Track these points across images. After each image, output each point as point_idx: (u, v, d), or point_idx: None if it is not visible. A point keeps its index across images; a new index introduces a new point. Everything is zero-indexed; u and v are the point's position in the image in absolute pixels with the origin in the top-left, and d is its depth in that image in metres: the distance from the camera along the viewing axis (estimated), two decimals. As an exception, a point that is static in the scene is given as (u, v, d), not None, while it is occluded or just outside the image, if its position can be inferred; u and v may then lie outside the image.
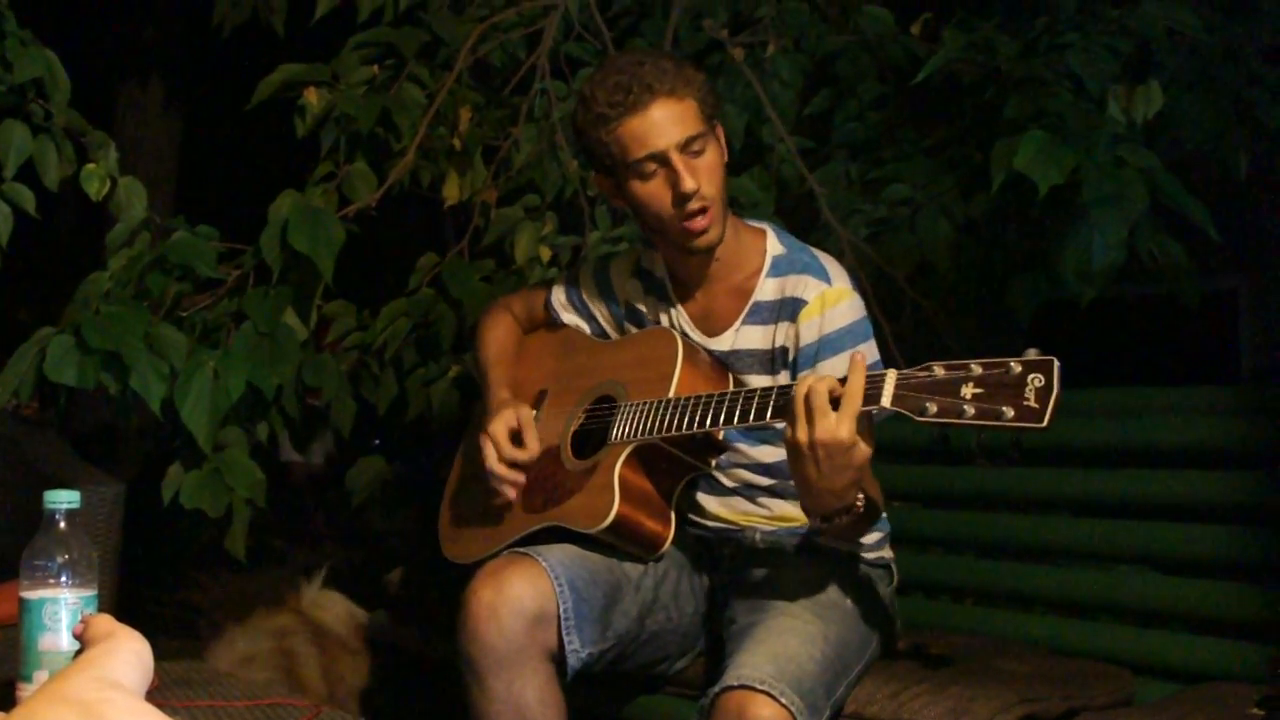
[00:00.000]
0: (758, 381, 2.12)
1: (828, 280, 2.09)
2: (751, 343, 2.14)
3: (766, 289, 2.13)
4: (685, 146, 2.02)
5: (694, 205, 2.03)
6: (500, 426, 2.18)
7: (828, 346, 2.05)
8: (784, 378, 2.10)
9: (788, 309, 2.10)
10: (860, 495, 1.82)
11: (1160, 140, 3.03)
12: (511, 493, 2.18)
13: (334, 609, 2.97)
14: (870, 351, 2.05)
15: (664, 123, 2.01)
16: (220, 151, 6.75)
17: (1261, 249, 4.97)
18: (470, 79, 3.27)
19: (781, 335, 2.10)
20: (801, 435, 1.73)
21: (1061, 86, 2.78)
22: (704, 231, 2.06)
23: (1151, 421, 2.50)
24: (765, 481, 2.18)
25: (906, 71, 3.19)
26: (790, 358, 2.09)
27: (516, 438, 2.18)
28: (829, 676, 1.89)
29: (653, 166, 2.03)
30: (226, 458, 2.74)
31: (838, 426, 1.70)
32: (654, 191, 2.05)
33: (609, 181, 2.14)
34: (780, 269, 2.14)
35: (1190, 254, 2.80)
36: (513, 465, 2.17)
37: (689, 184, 2.01)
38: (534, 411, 2.25)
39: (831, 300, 2.07)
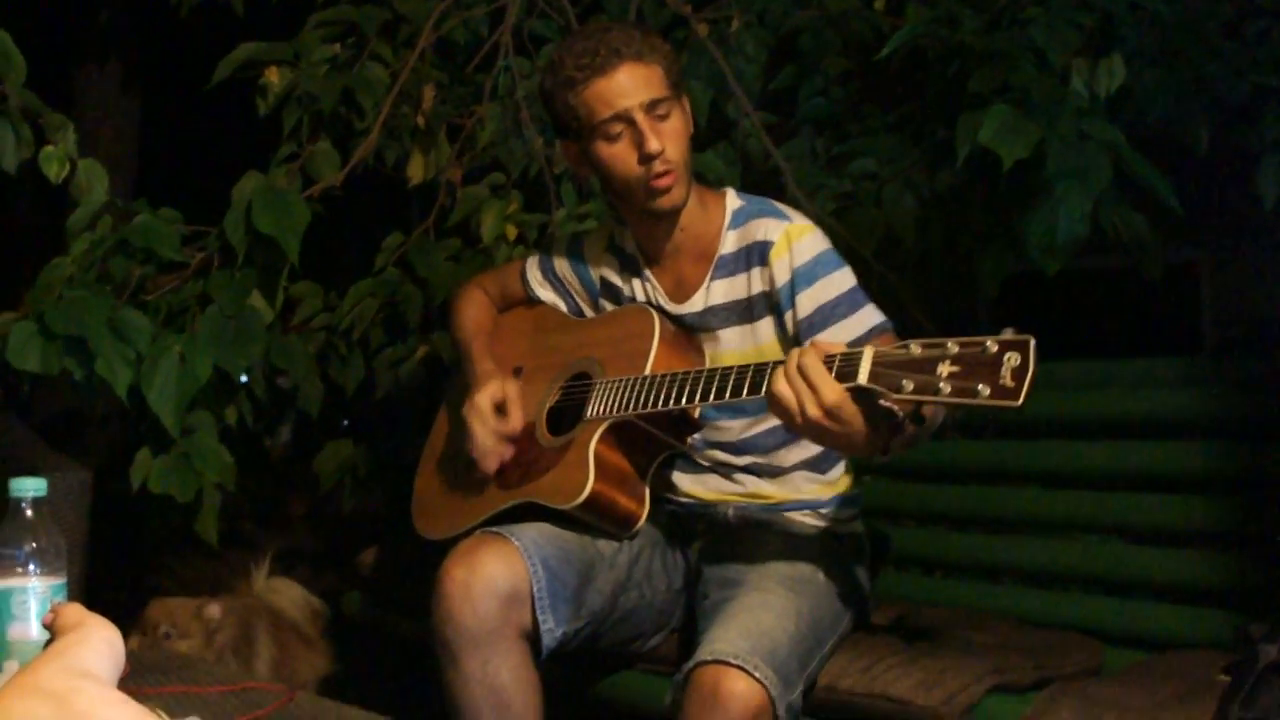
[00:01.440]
0: (737, 332, 2.14)
1: (787, 218, 2.12)
2: (723, 296, 2.15)
3: (728, 242, 2.15)
4: (651, 108, 2.04)
5: (659, 167, 2.04)
6: (484, 398, 2.18)
7: (802, 278, 2.06)
8: (765, 324, 2.12)
9: (755, 254, 2.11)
10: (900, 414, 1.73)
11: (1123, 114, 3.04)
12: (494, 464, 2.18)
13: (289, 593, 2.95)
14: (845, 277, 2.08)
15: (630, 84, 2.03)
16: (181, 132, 6.67)
17: (1223, 222, 5.00)
18: (433, 57, 3.25)
19: (756, 281, 2.11)
20: (800, 426, 1.71)
21: (1025, 61, 2.78)
22: (668, 190, 2.07)
23: (1118, 394, 2.53)
24: (739, 460, 2.19)
25: (871, 46, 3.18)
26: (772, 301, 2.10)
27: (501, 409, 2.18)
28: (802, 650, 1.90)
29: (619, 127, 2.05)
30: (195, 442, 2.72)
31: (824, 396, 1.66)
32: (619, 153, 2.06)
33: (574, 147, 2.14)
34: (739, 220, 2.16)
35: (1153, 227, 2.81)
36: (499, 438, 2.17)
37: (654, 144, 2.02)
38: (516, 382, 2.25)
39: (795, 235, 2.09)
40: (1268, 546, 2.20)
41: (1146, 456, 2.45)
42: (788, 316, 2.07)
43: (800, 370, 1.68)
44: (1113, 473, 2.50)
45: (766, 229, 2.10)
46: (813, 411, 1.66)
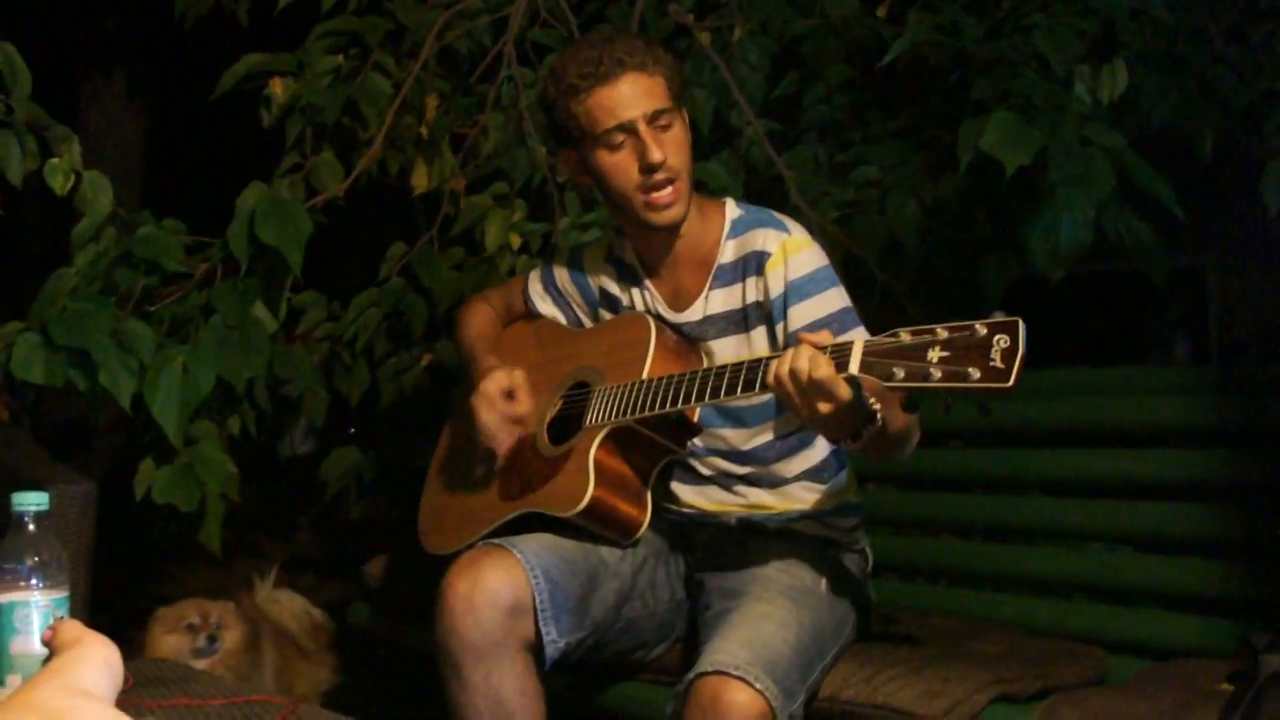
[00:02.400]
0: (733, 341, 2.15)
1: (786, 230, 2.12)
2: (720, 305, 2.16)
3: (727, 251, 2.16)
4: (653, 119, 2.04)
5: (660, 176, 2.05)
6: (492, 385, 2.19)
7: (795, 292, 2.07)
8: (759, 333, 2.12)
9: (751, 264, 2.12)
10: (873, 404, 1.78)
11: (1126, 120, 3.04)
12: (502, 449, 2.19)
13: (290, 605, 2.95)
14: (839, 296, 2.08)
15: (633, 95, 2.04)
16: (186, 143, 6.68)
17: (1228, 227, 5.00)
18: (437, 67, 3.25)
19: (751, 291, 2.12)
20: (804, 412, 1.73)
21: (1027, 67, 2.78)
22: (668, 205, 2.07)
23: (1124, 401, 2.52)
24: (740, 470, 2.19)
25: (873, 54, 3.19)
26: (765, 311, 2.11)
27: (509, 398, 2.19)
28: (803, 661, 1.90)
29: (620, 137, 2.05)
30: (198, 452, 2.73)
31: (834, 390, 1.69)
32: (620, 163, 2.07)
33: (574, 155, 2.15)
34: (738, 229, 2.16)
35: (1157, 232, 2.81)
36: (508, 422, 2.17)
37: (656, 154, 2.03)
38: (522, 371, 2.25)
39: (793, 248, 2.09)
40: (1272, 555, 2.19)
41: (1151, 464, 2.45)
42: (779, 328, 2.08)
43: (793, 372, 1.70)
44: (1117, 481, 2.49)
45: (765, 239, 2.11)
46: (816, 404, 1.69)
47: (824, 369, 1.68)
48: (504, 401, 2.18)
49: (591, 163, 2.11)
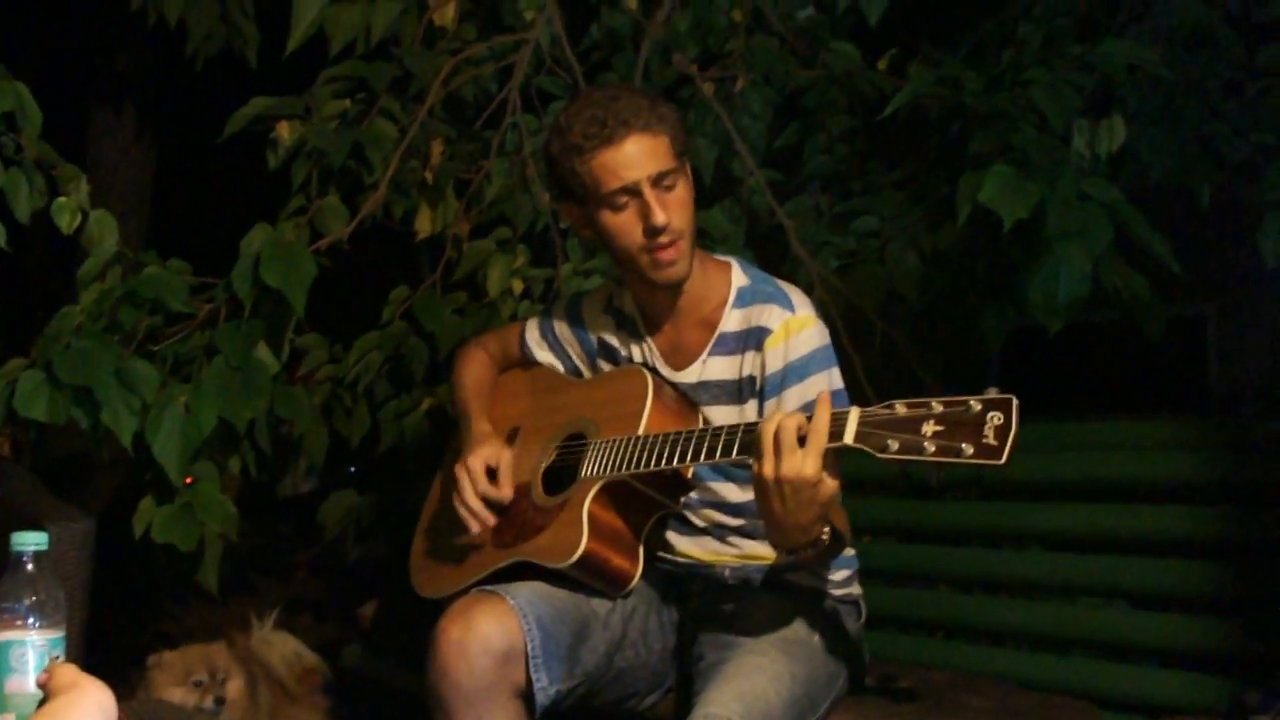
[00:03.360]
0: (725, 411, 2.15)
1: (791, 308, 2.12)
2: (718, 373, 2.16)
3: (732, 320, 2.16)
4: (657, 181, 2.05)
5: (663, 239, 2.06)
6: (478, 461, 2.20)
7: (793, 373, 2.07)
8: (751, 407, 2.13)
9: (753, 338, 2.12)
10: (825, 528, 1.84)
11: (1125, 173, 3.06)
12: (477, 527, 2.19)
13: (281, 649, 2.95)
14: (833, 378, 2.09)
15: (637, 156, 2.04)
16: (193, 183, 6.73)
17: (1228, 276, 5.03)
18: (442, 112, 3.29)
19: (748, 365, 2.13)
20: (769, 471, 1.74)
21: (1026, 121, 2.81)
22: (672, 264, 2.09)
23: (1120, 456, 2.53)
24: (735, 522, 2.20)
25: (874, 105, 3.22)
26: (757, 386, 2.11)
27: (492, 475, 2.19)
28: (795, 713, 1.90)
29: (625, 199, 2.06)
30: (198, 492, 2.75)
31: (804, 463, 1.72)
32: (624, 224, 2.08)
33: (578, 211, 2.16)
34: (745, 300, 2.16)
35: (1157, 282, 2.83)
36: (485, 502, 2.18)
37: (660, 217, 2.04)
38: (511, 450, 2.27)
39: (795, 328, 2.09)
40: (1267, 613, 2.19)
41: (1149, 520, 2.46)
42: (769, 404, 2.07)
43: (799, 428, 1.71)
44: (1113, 536, 2.51)
45: (769, 316, 2.11)
46: (788, 470, 1.70)
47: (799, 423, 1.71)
48: (485, 481, 2.19)
49: (595, 221, 2.12)
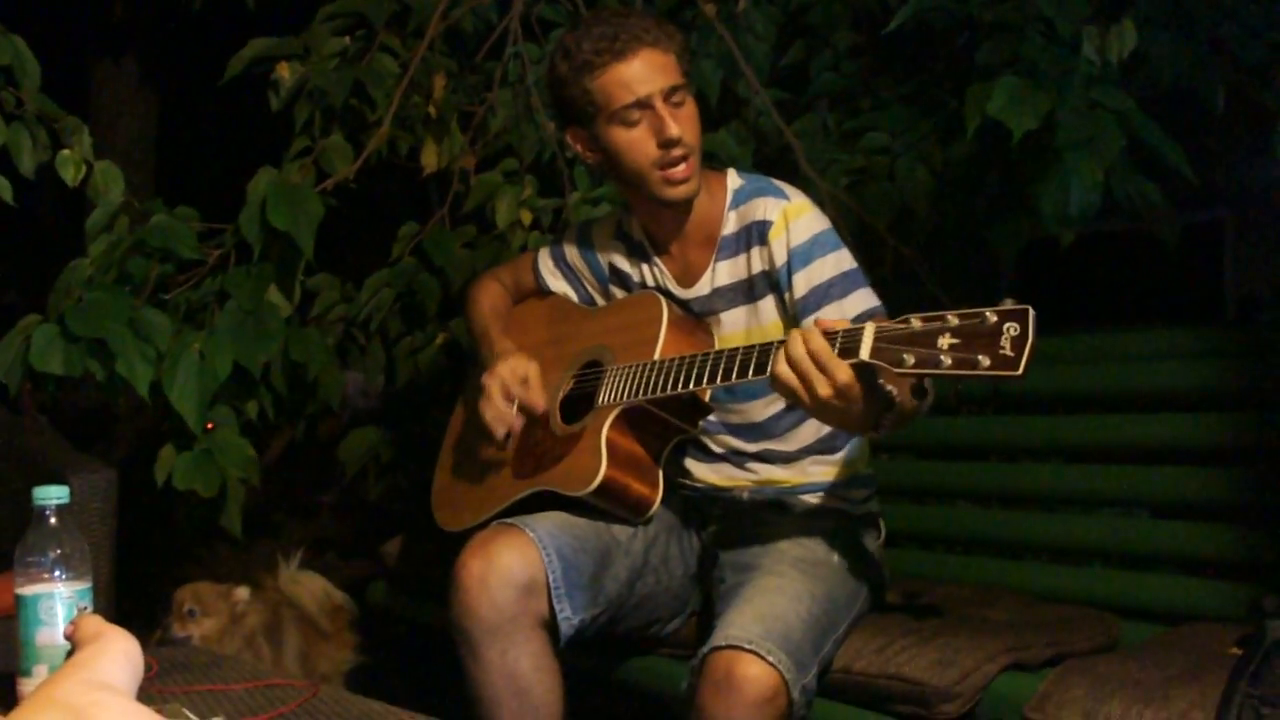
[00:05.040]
0: (741, 313, 2.16)
1: (785, 197, 2.13)
2: (727, 278, 2.17)
3: (729, 222, 2.17)
4: (669, 95, 2.05)
5: (677, 153, 2.06)
6: (509, 370, 2.19)
7: (798, 258, 2.08)
8: (766, 303, 2.13)
9: (755, 233, 2.13)
10: (896, 396, 1.78)
11: (1136, 79, 3.02)
12: (502, 432, 2.18)
13: (310, 586, 2.98)
14: (842, 259, 2.08)
15: (649, 70, 2.05)
16: (197, 128, 6.70)
17: (1243, 181, 4.97)
18: (443, 46, 3.26)
19: (756, 260, 2.13)
20: (807, 403, 1.72)
21: (1034, 30, 2.77)
22: (684, 181, 2.09)
23: (1138, 366, 2.52)
24: (753, 448, 2.21)
25: (880, 20, 3.17)
26: (772, 280, 2.12)
27: (524, 385, 2.19)
28: (816, 633, 1.92)
29: (637, 114, 2.06)
30: (218, 437, 2.76)
31: (835, 376, 1.67)
32: (637, 139, 2.07)
33: (584, 133, 2.15)
34: (740, 199, 2.17)
35: (1171, 190, 2.80)
36: (513, 407, 2.17)
37: (673, 129, 2.04)
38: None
39: (793, 214, 2.10)
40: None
41: (1166, 428, 2.45)
42: (786, 296, 2.09)
43: (810, 354, 1.69)
44: (1132, 446, 2.50)
45: (765, 208, 2.12)
46: (822, 391, 1.68)
47: (817, 345, 1.68)
48: (520, 387, 2.18)
49: (605, 139, 2.11)
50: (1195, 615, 2.21)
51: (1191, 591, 2.28)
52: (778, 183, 2.19)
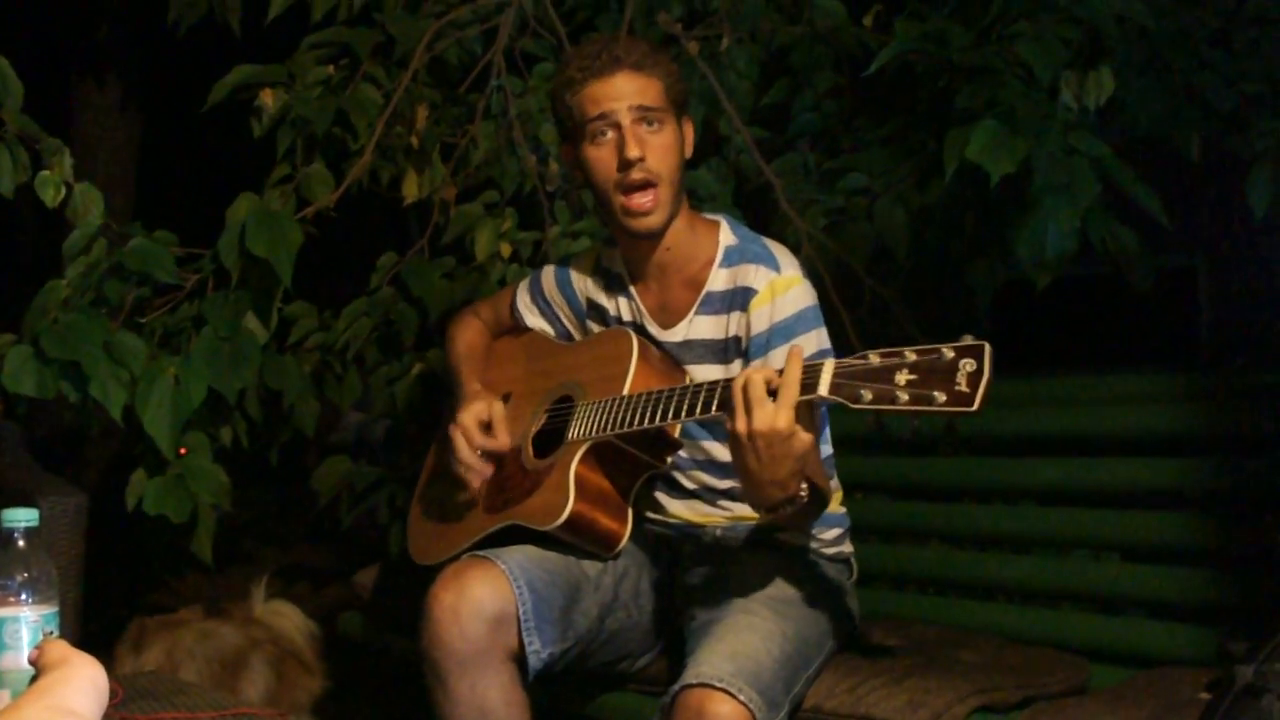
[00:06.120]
0: (711, 370, 2.16)
1: (777, 269, 2.13)
2: (704, 333, 2.17)
3: (719, 279, 2.16)
4: (639, 115, 2.06)
5: (636, 175, 2.06)
6: (470, 417, 2.20)
7: (779, 334, 2.08)
8: (737, 366, 2.13)
9: (739, 298, 2.13)
10: (804, 485, 1.84)
11: (1113, 125, 3.05)
12: (477, 482, 2.20)
13: (292, 617, 2.94)
14: (820, 338, 2.09)
15: (623, 88, 2.07)
16: (178, 153, 6.69)
17: (1218, 228, 5.02)
18: (427, 77, 3.27)
19: (734, 324, 2.13)
20: (740, 425, 1.76)
21: (1013, 75, 2.80)
22: (646, 213, 2.08)
23: (1111, 410, 2.53)
24: (723, 484, 2.21)
25: (861, 62, 3.20)
26: (743, 346, 2.12)
27: (487, 429, 2.20)
28: (787, 672, 1.92)
29: (604, 129, 2.08)
30: (190, 463, 2.75)
31: (775, 416, 1.72)
32: (602, 157, 2.09)
33: (571, 151, 2.18)
34: (732, 259, 2.16)
35: (1146, 234, 2.83)
36: (483, 456, 2.18)
37: (633, 149, 2.05)
38: (503, 405, 2.27)
39: (781, 288, 2.10)
40: (1253, 564, 2.20)
41: (1137, 472, 2.46)
42: (754, 364, 2.07)
43: (766, 380, 1.73)
44: (1103, 489, 2.51)
45: (755, 276, 2.12)
46: (758, 423, 1.69)
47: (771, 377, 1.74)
48: (480, 434, 2.20)
49: (580, 157, 2.13)
50: (1165, 659, 2.21)
51: (1161, 635, 2.29)
52: (772, 246, 2.19)
